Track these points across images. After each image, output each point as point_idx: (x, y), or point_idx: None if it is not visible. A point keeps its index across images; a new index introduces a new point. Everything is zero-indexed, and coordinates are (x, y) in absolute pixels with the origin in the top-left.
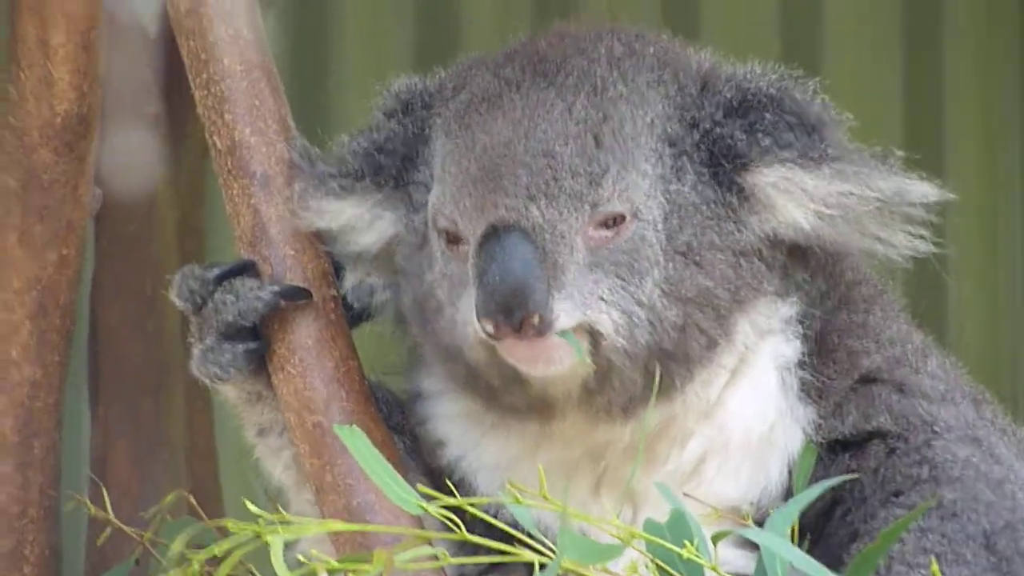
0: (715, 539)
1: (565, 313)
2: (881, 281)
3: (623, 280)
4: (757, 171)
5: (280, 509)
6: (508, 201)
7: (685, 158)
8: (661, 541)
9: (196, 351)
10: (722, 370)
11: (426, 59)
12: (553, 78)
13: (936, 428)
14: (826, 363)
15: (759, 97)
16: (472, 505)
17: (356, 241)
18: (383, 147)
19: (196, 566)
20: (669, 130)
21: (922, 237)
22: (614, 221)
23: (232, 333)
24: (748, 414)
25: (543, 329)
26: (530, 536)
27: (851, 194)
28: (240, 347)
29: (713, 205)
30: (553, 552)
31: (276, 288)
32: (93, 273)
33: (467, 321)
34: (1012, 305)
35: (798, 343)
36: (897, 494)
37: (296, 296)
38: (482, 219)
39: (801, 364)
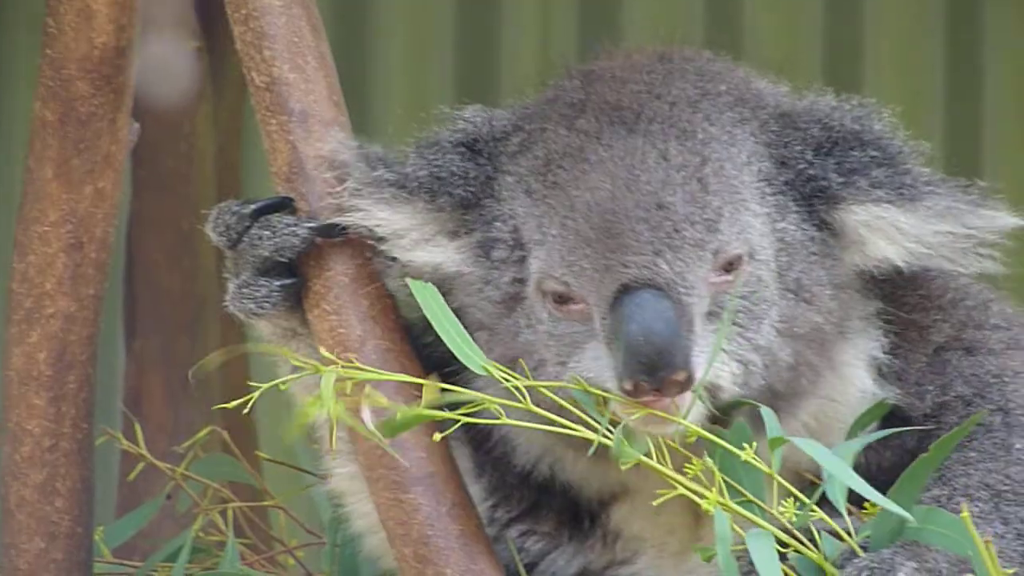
0: (773, 444)
1: (700, 367)
2: None
3: (741, 327)
4: (849, 209)
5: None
6: (635, 259)
7: (781, 196)
8: (721, 442)
9: (231, 286)
10: (824, 400)
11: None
12: (634, 125)
13: (1006, 378)
14: (899, 344)
15: (843, 134)
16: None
17: (402, 252)
18: (441, 176)
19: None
20: (763, 168)
21: (992, 259)
22: (732, 264)
23: (268, 268)
24: (844, 414)
25: (686, 386)
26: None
27: (948, 233)
28: (276, 283)
29: (815, 241)
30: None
31: (312, 224)
32: (130, 207)
33: (587, 380)
34: None
35: (879, 333)
36: (971, 439)
37: (332, 233)
38: (609, 279)
39: (882, 350)
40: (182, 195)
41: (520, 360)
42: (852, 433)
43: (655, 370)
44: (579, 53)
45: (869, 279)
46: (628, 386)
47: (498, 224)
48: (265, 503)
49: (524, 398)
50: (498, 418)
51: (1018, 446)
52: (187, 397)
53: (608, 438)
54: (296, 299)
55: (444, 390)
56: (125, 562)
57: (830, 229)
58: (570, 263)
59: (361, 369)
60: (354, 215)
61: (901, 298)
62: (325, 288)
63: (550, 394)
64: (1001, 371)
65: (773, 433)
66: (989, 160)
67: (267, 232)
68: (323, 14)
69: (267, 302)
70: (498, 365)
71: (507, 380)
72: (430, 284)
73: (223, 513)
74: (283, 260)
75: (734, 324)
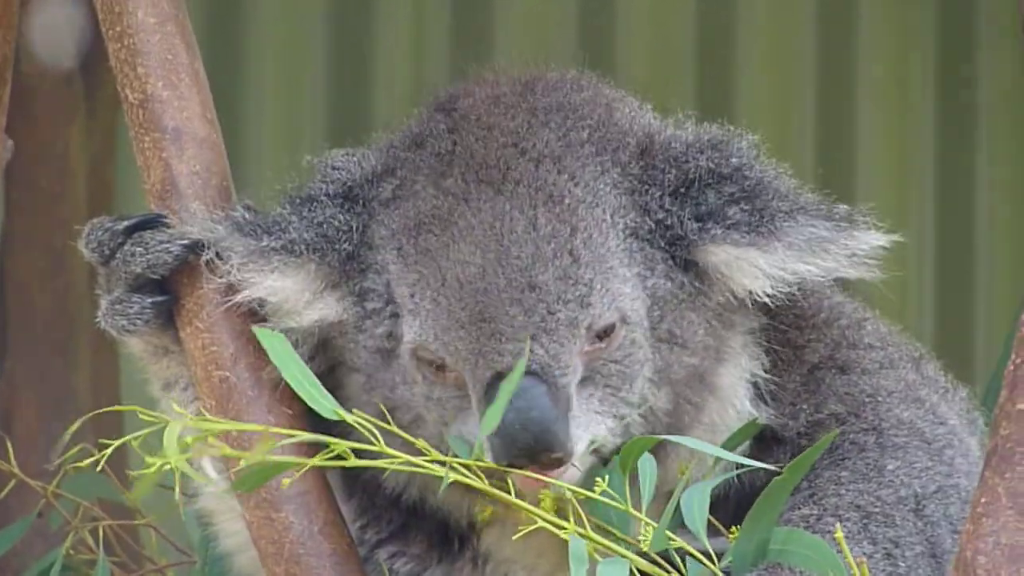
0: (624, 460)
1: (580, 441)
2: None
3: (614, 388)
4: (707, 251)
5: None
6: (509, 347)
7: (648, 246)
8: (567, 486)
9: (104, 303)
10: (707, 426)
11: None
12: (501, 186)
13: (879, 397)
14: (775, 364)
15: (699, 173)
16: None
17: (292, 315)
18: (327, 233)
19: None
20: (629, 222)
21: (872, 268)
22: (605, 332)
23: (140, 285)
24: (721, 432)
25: (563, 461)
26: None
27: (812, 263)
28: (148, 300)
29: (684, 287)
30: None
31: (185, 242)
32: (2, 226)
33: (463, 443)
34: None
35: (760, 352)
36: (844, 459)
37: (205, 251)
38: (483, 365)
39: (762, 368)
40: (55, 213)
41: (383, 407)
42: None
43: (533, 454)
44: (452, 70)
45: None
46: (505, 465)
47: (372, 275)
48: (136, 521)
49: (378, 441)
50: (358, 457)
51: (890, 467)
52: (59, 415)
53: (467, 476)
54: (168, 316)
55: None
56: None
57: (696, 267)
58: (444, 343)
59: (211, 420)
60: (248, 289)
61: (775, 317)
62: (198, 306)
63: (411, 438)
64: (875, 391)
65: (645, 468)
66: (863, 150)
67: (140, 249)
68: (197, 32)
69: (139, 319)
70: (360, 413)
71: (361, 426)
72: (278, 332)
73: (94, 531)
74: (156, 277)
75: (608, 386)
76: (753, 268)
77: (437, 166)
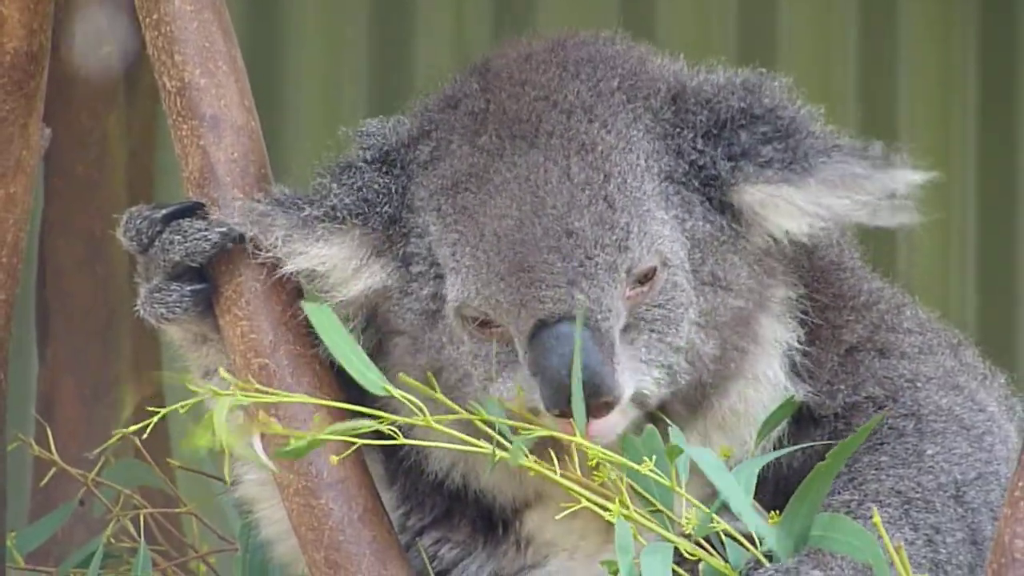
0: (670, 455)
1: (627, 386)
2: (837, 239)
3: (659, 333)
4: (742, 190)
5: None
6: (550, 293)
7: (684, 189)
8: (621, 459)
9: (142, 291)
10: (751, 380)
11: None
12: (534, 139)
13: (918, 383)
14: (812, 341)
15: (731, 114)
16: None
17: (340, 286)
18: (368, 197)
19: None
20: (663, 166)
21: (908, 211)
22: (646, 276)
23: (179, 273)
24: (759, 404)
25: (614, 405)
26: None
27: (847, 199)
28: (187, 287)
29: (723, 228)
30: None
31: (224, 229)
32: (42, 213)
33: (513, 398)
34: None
35: (796, 324)
36: (883, 443)
37: (244, 238)
38: (526, 314)
39: (796, 344)
40: (93, 201)
41: (429, 374)
42: (762, 433)
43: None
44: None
45: (790, 258)
46: (556, 414)
47: (414, 239)
48: (177, 509)
49: (425, 415)
50: (403, 435)
51: (930, 452)
52: (100, 403)
53: (524, 425)
54: (207, 304)
55: (345, 410)
56: (38, 568)
57: (732, 210)
58: (486, 296)
59: (260, 391)
60: (294, 260)
61: (813, 296)
62: (236, 293)
63: (455, 407)
64: (914, 376)
65: (675, 444)
66: (903, 103)
67: (178, 237)
68: (234, 19)
69: (178, 307)
70: (408, 379)
71: (407, 400)
72: (326, 307)
73: (135, 519)
74: (194, 265)
75: (653, 332)
76: (788, 206)
77: (471, 124)
